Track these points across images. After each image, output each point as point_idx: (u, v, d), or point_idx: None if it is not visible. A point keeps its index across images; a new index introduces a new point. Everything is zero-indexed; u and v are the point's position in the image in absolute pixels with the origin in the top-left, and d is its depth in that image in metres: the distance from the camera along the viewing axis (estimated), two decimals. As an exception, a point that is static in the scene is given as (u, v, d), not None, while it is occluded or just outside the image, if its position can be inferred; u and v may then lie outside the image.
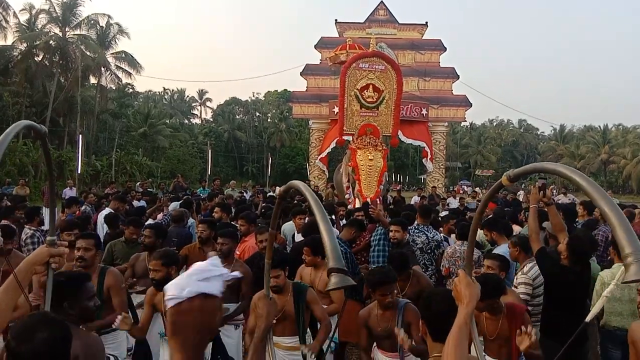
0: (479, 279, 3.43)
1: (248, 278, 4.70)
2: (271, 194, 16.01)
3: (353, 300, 5.26)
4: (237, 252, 5.41)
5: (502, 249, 5.34)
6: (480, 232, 6.27)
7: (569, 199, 15.56)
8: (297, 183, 1.57)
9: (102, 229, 7.72)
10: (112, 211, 7.74)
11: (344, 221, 8.28)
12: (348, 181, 12.21)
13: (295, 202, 8.45)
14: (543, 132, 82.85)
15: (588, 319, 2.76)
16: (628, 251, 1.08)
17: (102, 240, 7.39)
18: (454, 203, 15.00)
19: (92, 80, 37.42)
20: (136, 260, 5.09)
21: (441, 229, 7.64)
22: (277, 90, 66.30)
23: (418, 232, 6.40)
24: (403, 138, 19.09)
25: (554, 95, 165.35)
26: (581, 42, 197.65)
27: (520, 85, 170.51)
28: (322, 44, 23.55)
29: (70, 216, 8.00)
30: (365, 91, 11.71)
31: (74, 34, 34.40)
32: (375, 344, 3.89)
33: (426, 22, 24.39)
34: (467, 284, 1.81)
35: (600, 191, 1.22)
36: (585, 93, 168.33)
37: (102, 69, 35.99)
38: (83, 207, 9.37)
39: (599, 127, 69.06)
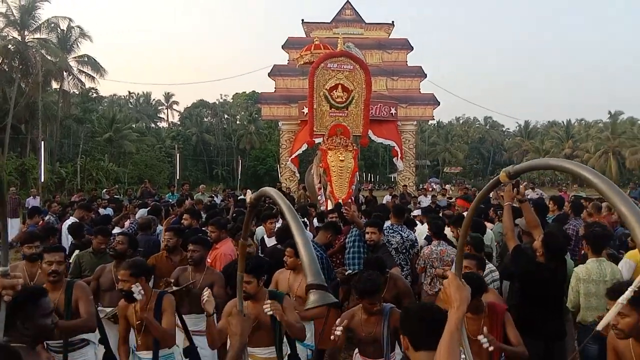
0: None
1: (220, 282, 4.58)
2: (242, 197, 15.78)
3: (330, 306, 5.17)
4: (209, 260, 5.25)
5: None
6: (447, 229, 6.27)
7: (537, 194, 15.78)
8: (270, 190, 1.47)
9: (66, 239, 7.43)
10: (77, 220, 7.45)
11: (316, 222, 8.20)
12: (320, 182, 12.15)
13: (266, 205, 8.29)
14: (508, 129, 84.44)
15: (599, 327, 2.72)
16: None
17: (67, 252, 7.19)
18: (425, 201, 15.09)
19: (55, 85, 36.48)
20: (102, 272, 4.85)
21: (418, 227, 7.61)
22: (245, 92, 65.73)
23: (392, 233, 6.34)
24: (374, 137, 19.11)
25: (519, 92, 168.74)
26: (542, 40, 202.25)
27: (486, 82, 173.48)
28: (290, 45, 23.41)
29: (33, 227, 7.69)
30: (334, 91, 11.68)
31: (33, 38, 33.41)
32: (357, 350, 3.79)
33: (392, 22, 24.51)
34: (457, 286, 1.72)
35: (614, 188, 1.09)
36: (548, 89, 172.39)
37: (64, 73, 35.10)
38: (47, 217, 9.02)
39: (562, 122, 70.83)
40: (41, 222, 8.67)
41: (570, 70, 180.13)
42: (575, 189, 29.77)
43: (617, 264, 4.78)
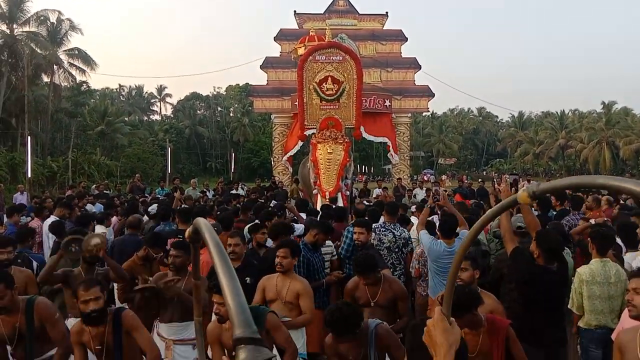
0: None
1: (203, 286, 4.33)
2: (234, 191, 15.52)
3: (316, 309, 4.94)
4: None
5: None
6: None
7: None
8: (200, 222, 1.22)
9: (47, 239, 7.16)
10: (57, 219, 7.16)
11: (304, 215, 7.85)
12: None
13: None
14: (502, 119, 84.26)
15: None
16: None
17: (50, 250, 6.88)
18: (420, 194, 14.84)
19: (45, 78, 35.98)
20: (69, 278, 4.50)
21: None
22: (238, 85, 65.22)
23: (385, 231, 6.12)
24: (366, 135, 18.80)
25: (513, 82, 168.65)
26: (537, 31, 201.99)
27: (480, 73, 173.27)
28: (282, 36, 23.07)
29: (12, 227, 7.39)
30: (324, 84, 11.42)
31: (22, 31, 32.91)
32: None
33: (386, 12, 24.17)
34: (443, 330, 1.41)
35: None
36: (542, 79, 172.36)
37: (55, 66, 34.60)
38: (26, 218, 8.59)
39: (557, 112, 70.68)
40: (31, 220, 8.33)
41: (564, 60, 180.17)
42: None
43: (621, 264, 4.57)
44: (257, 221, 6.48)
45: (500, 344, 3.09)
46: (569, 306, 4.38)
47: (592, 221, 5.98)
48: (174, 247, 4.47)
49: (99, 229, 7.34)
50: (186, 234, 1.43)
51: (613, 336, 3.38)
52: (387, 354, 3.47)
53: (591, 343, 4.28)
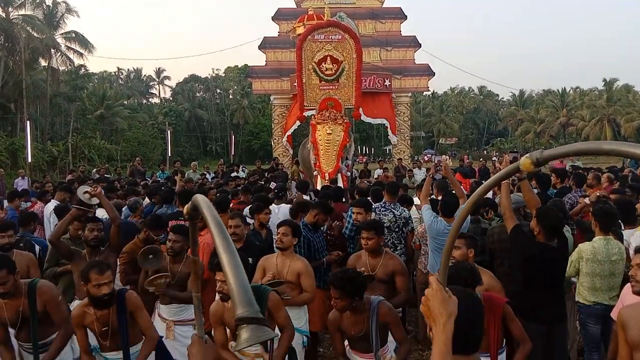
0: (450, 270, 3.15)
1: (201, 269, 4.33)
2: (235, 174, 15.52)
3: (318, 288, 4.96)
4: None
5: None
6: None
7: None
8: (199, 199, 1.20)
9: (49, 224, 7.16)
10: (59, 203, 7.15)
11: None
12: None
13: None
14: (503, 98, 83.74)
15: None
16: None
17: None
18: (419, 174, 14.84)
19: (43, 62, 35.75)
20: (79, 261, 4.57)
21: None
22: (237, 66, 64.75)
23: (385, 210, 6.12)
24: (364, 117, 18.65)
25: (513, 60, 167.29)
26: (537, 8, 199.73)
27: (480, 51, 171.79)
28: (280, 16, 22.79)
29: (12, 211, 7.39)
30: (323, 64, 11.29)
31: (18, 14, 32.63)
32: (348, 343, 3.59)
33: (385, -11, 23.86)
34: (442, 299, 1.41)
35: None
36: (543, 57, 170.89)
37: (52, 50, 34.36)
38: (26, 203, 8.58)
39: (558, 90, 70.21)
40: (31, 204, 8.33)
41: (565, 37, 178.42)
42: (572, 159, 29.43)
43: (621, 240, 4.56)
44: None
45: (497, 322, 3.10)
46: (566, 274, 4.40)
47: (587, 200, 5.96)
48: (173, 232, 4.47)
49: (100, 212, 7.34)
50: (184, 210, 1.42)
51: (613, 314, 3.37)
52: (389, 331, 3.50)
53: (589, 319, 4.30)
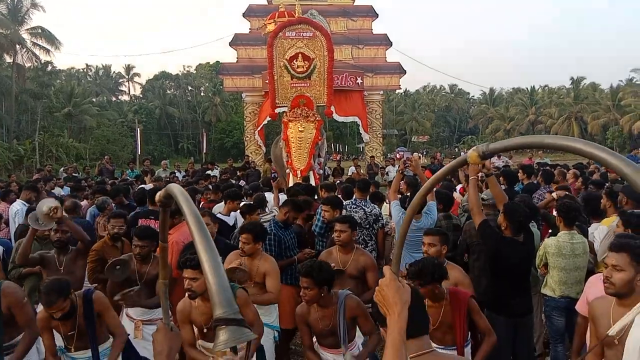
0: (417, 265, 3.18)
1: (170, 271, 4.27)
2: (209, 172, 15.35)
3: (288, 285, 4.96)
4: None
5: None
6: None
7: (503, 162, 15.79)
8: (174, 189, 1.17)
9: (14, 224, 6.97)
10: (24, 202, 6.97)
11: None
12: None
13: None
14: (474, 96, 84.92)
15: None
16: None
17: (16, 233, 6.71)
18: (392, 171, 14.95)
19: (8, 59, 34.83)
20: (47, 262, 4.47)
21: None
22: (209, 63, 64.05)
23: (355, 207, 6.14)
24: (336, 116, 18.72)
25: (484, 59, 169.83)
26: (508, 7, 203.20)
27: (450, 50, 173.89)
28: (251, 12, 22.63)
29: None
30: (294, 61, 11.30)
31: (-20, 9, 31.76)
32: (316, 340, 3.59)
33: (357, -12, 23.92)
34: (396, 289, 1.44)
35: (619, 157, 0.91)
36: (512, 55, 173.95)
37: (17, 46, 33.51)
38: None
39: (527, 89, 71.53)
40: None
41: (534, 36, 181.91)
42: (540, 156, 30.04)
43: (585, 235, 4.67)
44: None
45: (462, 316, 3.15)
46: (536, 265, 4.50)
47: (554, 195, 6.09)
48: (138, 238, 4.34)
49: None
50: (156, 197, 1.39)
51: (578, 307, 3.42)
52: (356, 327, 3.52)
53: (554, 311, 4.40)
